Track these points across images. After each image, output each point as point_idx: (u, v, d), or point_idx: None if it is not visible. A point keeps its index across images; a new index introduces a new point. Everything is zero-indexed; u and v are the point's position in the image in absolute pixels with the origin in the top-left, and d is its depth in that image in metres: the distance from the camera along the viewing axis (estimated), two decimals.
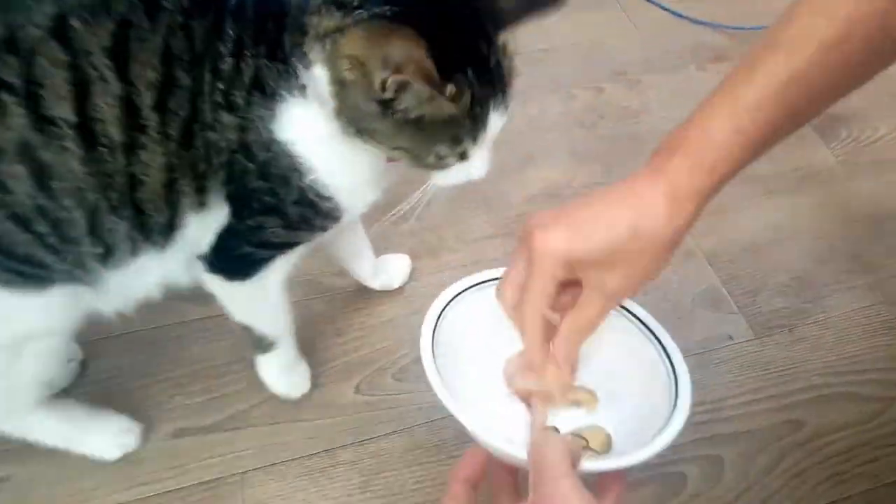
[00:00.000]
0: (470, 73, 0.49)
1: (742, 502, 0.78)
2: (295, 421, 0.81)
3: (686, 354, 0.50)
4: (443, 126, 0.50)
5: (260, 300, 0.67)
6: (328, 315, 0.91)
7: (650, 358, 0.52)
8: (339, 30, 0.47)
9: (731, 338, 0.90)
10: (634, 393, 0.51)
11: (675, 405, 0.47)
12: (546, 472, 0.38)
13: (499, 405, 0.52)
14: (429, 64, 0.45)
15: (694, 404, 0.47)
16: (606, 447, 0.49)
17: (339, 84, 0.49)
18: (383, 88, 0.47)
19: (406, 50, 0.44)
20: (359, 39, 0.45)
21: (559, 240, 0.45)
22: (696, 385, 0.48)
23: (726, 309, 0.93)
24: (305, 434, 0.80)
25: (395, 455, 0.79)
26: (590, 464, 0.43)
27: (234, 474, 0.76)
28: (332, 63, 0.48)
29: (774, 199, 1.05)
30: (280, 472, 0.78)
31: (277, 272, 0.64)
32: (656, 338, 0.52)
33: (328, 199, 0.57)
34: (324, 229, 0.61)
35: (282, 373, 0.79)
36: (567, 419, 0.51)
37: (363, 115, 0.49)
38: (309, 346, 0.85)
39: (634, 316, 0.54)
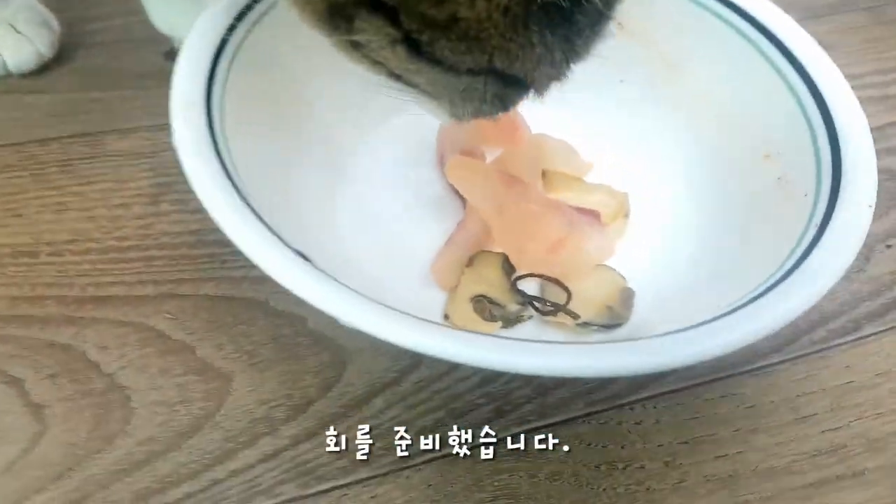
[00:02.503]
0: None
1: None
2: (30, 92, 0.45)
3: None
4: None
5: None
6: None
7: (778, 103, 0.31)
8: None
9: None
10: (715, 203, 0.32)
11: (826, 215, 0.27)
12: None
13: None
14: None
15: None
16: (614, 313, 0.30)
17: None
18: None
19: None
20: None
21: None
22: None
23: None
24: (40, 114, 0.44)
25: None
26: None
27: None
28: None
29: None
30: None
31: None
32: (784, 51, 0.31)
33: None
34: None
35: None
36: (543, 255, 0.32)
37: None
38: None
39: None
